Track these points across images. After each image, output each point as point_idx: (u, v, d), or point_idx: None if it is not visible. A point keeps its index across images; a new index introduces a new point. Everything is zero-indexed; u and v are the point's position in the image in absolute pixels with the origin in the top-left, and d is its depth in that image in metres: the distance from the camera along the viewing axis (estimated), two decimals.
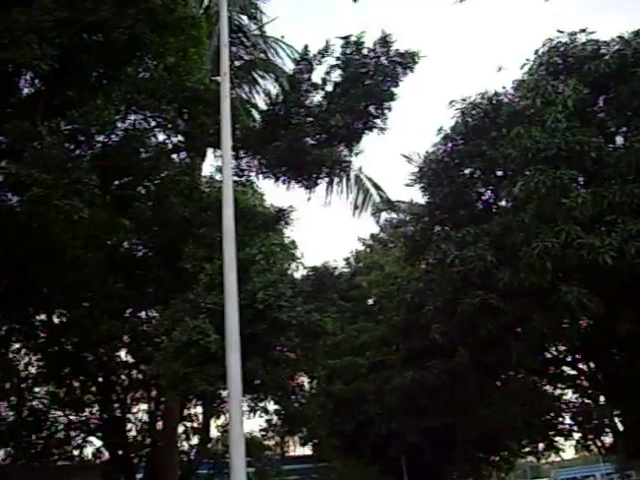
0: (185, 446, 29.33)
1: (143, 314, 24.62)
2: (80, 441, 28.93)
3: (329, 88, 16.91)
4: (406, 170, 24.33)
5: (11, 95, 15.38)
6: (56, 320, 23.31)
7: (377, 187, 24.71)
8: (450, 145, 22.56)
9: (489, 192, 22.93)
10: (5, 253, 18.66)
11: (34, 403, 27.82)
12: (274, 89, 20.08)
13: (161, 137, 17.34)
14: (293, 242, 30.16)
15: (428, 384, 24.35)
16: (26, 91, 15.49)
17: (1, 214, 18.72)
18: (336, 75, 16.95)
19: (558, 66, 21.14)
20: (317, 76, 17.05)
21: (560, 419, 27.55)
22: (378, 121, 17.25)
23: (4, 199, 18.58)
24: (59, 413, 28.43)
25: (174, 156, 18.41)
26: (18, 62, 11.62)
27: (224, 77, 13.04)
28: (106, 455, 28.10)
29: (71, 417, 28.54)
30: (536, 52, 21.93)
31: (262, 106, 19.81)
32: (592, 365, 23.48)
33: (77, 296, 20.06)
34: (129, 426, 28.68)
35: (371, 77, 16.91)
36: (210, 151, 17.85)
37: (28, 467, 22.63)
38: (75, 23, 12.73)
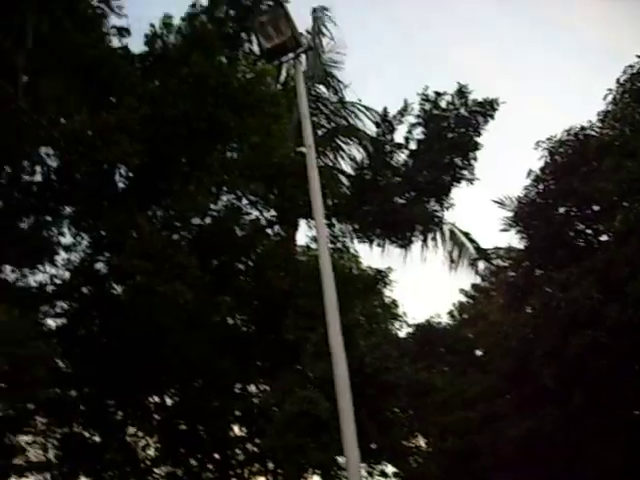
0: None
1: (253, 388, 24.82)
2: None
3: (413, 146, 17.03)
4: (499, 215, 24.00)
5: (107, 190, 16.08)
6: (169, 401, 23.73)
7: (471, 240, 24.51)
8: (542, 186, 22.15)
9: (588, 228, 22.34)
10: (113, 342, 19.27)
11: None
12: (358, 153, 20.32)
13: (254, 213, 17.72)
14: (394, 301, 29.91)
15: (544, 431, 23.49)
16: (121, 185, 16.17)
17: (107, 304, 19.42)
18: (418, 132, 17.08)
19: None
20: (399, 136, 17.22)
21: None
22: (465, 172, 17.22)
23: (109, 289, 19.27)
24: None
25: (268, 230, 18.76)
26: (111, 161, 12.18)
27: (309, 149, 13.26)
28: None
29: None
30: (617, 80, 21.48)
31: (348, 170, 20.08)
32: None
33: (186, 376, 20.43)
34: None
35: (452, 130, 16.96)
36: (303, 220, 18.12)
37: None
38: (159, 117, 13.29)
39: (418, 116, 16.94)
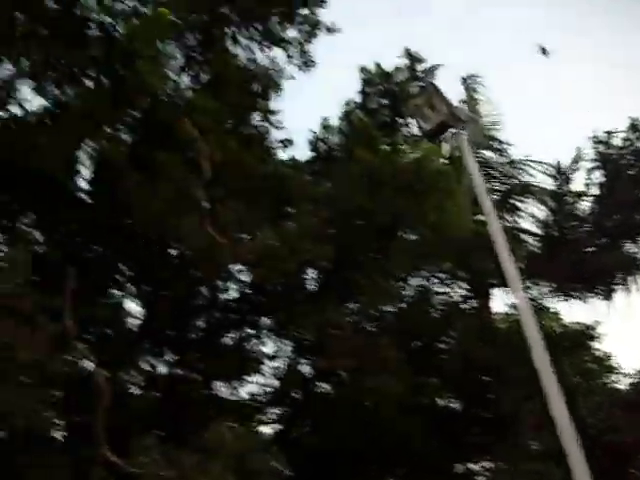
0: None
1: (472, 466, 24.08)
2: None
3: (594, 190, 16.47)
4: None
5: (300, 294, 16.53)
6: None
7: None
8: None
9: None
10: (325, 439, 19.40)
11: None
12: (538, 209, 19.80)
13: (445, 291, 17.57)
14: (607, 354, 28.25)
15: None
16: (313, 287, 16.58)
17: (316, 404, 19.68)
18: (597, 176, 16.51)
19: None
20: (577, 184, 16.73)
21: None
22: None
23: (315, 389, 19.55)
24: None
25: (462, 305, 18.49)
26: (299, 267, 12.59)
27: (489, 216, 13.10)
28: None
29: None
30: None
31: (529, 227, 19.58)
32: None
33: (397, 461, 20.12)
34: None
35: (632, 165, 16.27)
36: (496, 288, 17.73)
37: None
38: (336, 217, 13.62)
39: (594, 160, 16.42)
